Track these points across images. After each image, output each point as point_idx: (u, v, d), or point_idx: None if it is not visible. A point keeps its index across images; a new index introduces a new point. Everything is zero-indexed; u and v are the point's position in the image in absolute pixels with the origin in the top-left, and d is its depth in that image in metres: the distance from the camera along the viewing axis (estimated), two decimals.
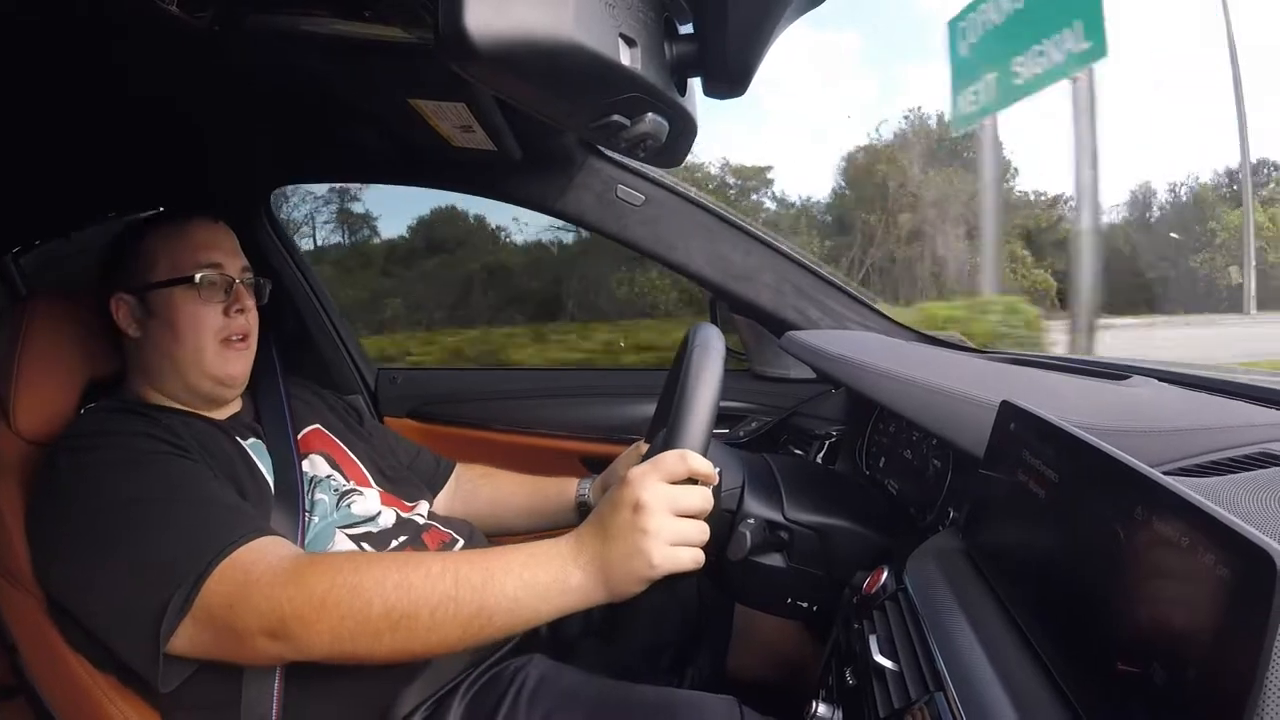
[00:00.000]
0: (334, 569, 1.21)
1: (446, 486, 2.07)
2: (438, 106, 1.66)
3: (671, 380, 1.77)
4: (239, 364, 1.63)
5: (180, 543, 1.24)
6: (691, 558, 1.20)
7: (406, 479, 1.87)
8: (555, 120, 1.14)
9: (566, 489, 2.00)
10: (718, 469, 1.47)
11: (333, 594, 1.17)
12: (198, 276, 1.56)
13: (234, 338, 1.61)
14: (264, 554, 1.25)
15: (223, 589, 1.20)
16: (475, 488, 2.09)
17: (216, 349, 1.58)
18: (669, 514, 1.19)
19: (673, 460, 1.22)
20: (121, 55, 1.54)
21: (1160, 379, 1.60)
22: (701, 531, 1.22)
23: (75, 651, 1.38)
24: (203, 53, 1.46)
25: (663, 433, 1.34)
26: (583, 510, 1.97)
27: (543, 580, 1.20)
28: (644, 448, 1.89)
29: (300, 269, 2.83)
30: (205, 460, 1.44)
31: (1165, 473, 0.87)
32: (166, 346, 1.56)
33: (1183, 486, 0.78)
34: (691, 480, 1.24)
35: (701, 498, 1.23)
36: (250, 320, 1.65)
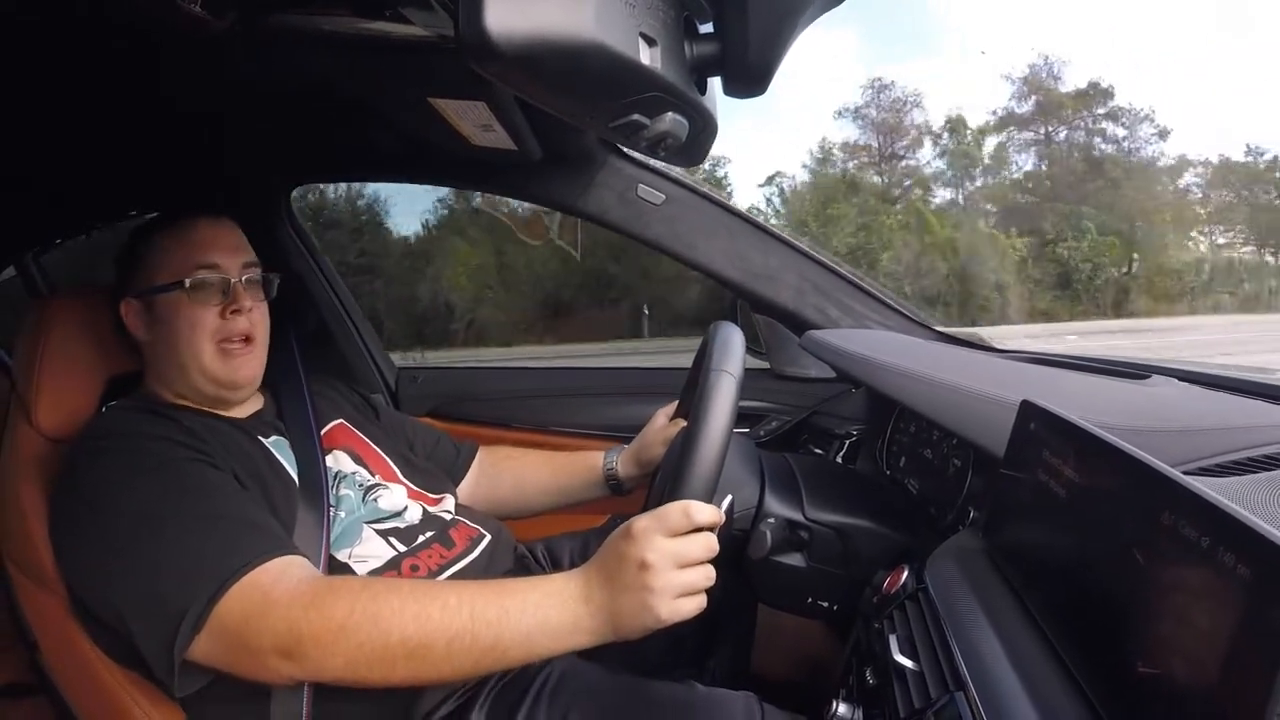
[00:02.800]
0: (353, 595, 1.22)
1: (470, 472, 2.07)
2: (458, 105, 1.66)
3: (693, 377, 1.77)
4: (243, 369, 1.61)
5: (198, 557, 1.25)
6: (695, 605, 1.21)
7: (430, 470, 1.87)
8: (575, 119, 1.14)
9: (592, 462, 2.01)
10: (728, 496, 1.47)
11: (352, 619, 1.18)
12: (188, 281, 1.54)
13: (234, 338, 1.59)
14: (283, 574, 1.26)
15: (239, 606, 1.21)
16: (499, 471, 2.09)
17: (213, 352, 1.57)
18: (673, 569, 1.19)
19: (676, 515, 1.21)
20: (142, 55, 1.54)
21: (1181, 378, 1.60)
22: (706, 577, 1.22)
23: (97, 649, 1.38)
24: (224, 52, 1.47)
25: (672, 466, 1.34)
26: (612, 484, 1.99)
27: (555, 621, 1.20)
28: (666, 420, 1.93)
29: (321, 268, 2.83)
30: (228, 463, 1.44)
31: (1186, 472, 0.87)
32: (169, 350, 1.56)
33: (1203, 486, 0.78)
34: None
35: (705, 547, 1.22)
36: (253, 319, 1.62)
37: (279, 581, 1.24)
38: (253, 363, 1.63)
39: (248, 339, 1.61)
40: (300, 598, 1.21)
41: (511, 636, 1.19)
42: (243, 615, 1.20)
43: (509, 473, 2.09)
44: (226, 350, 1.58)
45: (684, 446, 1.29)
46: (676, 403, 1.95)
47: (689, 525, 1.21)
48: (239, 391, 1.64)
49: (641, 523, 1.22)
